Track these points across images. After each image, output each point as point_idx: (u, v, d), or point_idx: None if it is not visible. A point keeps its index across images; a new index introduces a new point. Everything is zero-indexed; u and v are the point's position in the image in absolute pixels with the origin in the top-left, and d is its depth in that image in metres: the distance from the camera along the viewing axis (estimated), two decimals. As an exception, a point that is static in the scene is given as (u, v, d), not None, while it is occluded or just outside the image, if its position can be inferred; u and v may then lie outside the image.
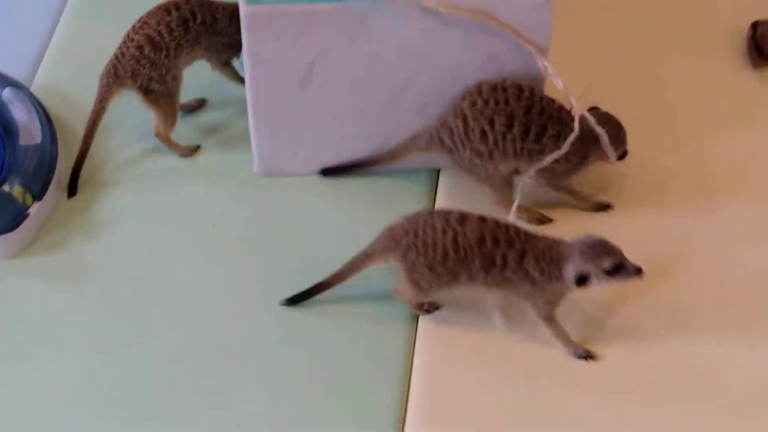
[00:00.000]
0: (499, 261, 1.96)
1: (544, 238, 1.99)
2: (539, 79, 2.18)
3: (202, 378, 2.02)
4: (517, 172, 2.16)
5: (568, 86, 2.14)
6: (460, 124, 2.13)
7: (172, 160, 2.32)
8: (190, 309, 2.11)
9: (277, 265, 2.15)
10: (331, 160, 2.28)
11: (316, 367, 2.03)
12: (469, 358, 2.03)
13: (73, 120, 2.37)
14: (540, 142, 2.12)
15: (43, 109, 2.34)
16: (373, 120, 2.23)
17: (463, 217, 1.98)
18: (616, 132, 2.17)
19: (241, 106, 2.26)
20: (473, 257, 1.96)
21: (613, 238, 1.99)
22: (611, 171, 2.25)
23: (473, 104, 2.12)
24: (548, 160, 2.12)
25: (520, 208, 2.16)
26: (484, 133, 2.12)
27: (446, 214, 1.99)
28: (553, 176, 2.16)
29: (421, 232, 1.98)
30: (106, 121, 2.29)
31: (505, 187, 2.17)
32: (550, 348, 2.02)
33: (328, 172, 2.27)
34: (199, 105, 2.38)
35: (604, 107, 2.29)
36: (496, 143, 2.12)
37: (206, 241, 2.21)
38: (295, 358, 2.04)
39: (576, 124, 2.12)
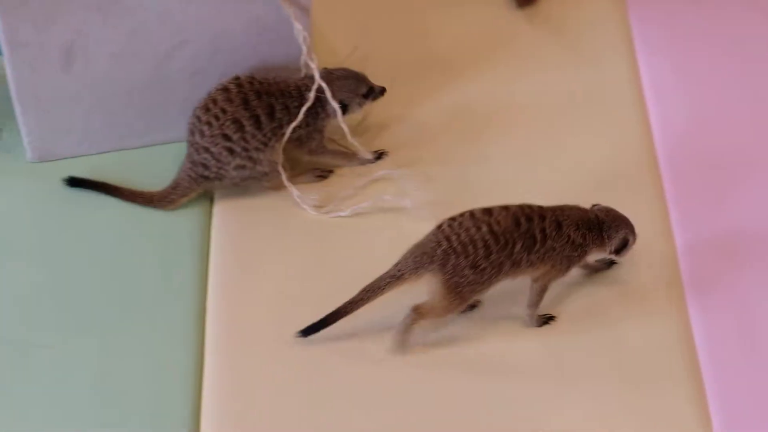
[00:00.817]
0: (539, 235, 1.98)
1: (568, 207, 2.03)
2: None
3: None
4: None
5: (311, 51, 2.17)
6: (207, 156, 2.14)
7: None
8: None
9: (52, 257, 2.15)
10: (105, 137, 2.25)
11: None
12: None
13: None
14: (274, 120, 2.13)
15: None
16: (142, 94, 2.21)
17: (486, 210, 1.98)
18: (355, 80, 2.20)
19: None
20: (514, 241, 1.97)
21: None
22: (384, 123, 2.29)
23: (202, 134, 2.13)
24: (288, 132, 2.15)
25: (298, 175, 2.20)
26: (230, 151, 2.13)
27: (470, 214, 1.98)
28: (302, 145, 2.19)
29: (454, 237, 1.96)
30: None
31: (275, 173, 2.18)
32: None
33: (76, 182, 2.21)
34: None
35: (374, 63, 2.33)
36: (245, 149, 2.13)
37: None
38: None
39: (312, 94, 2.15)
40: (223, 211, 2.20)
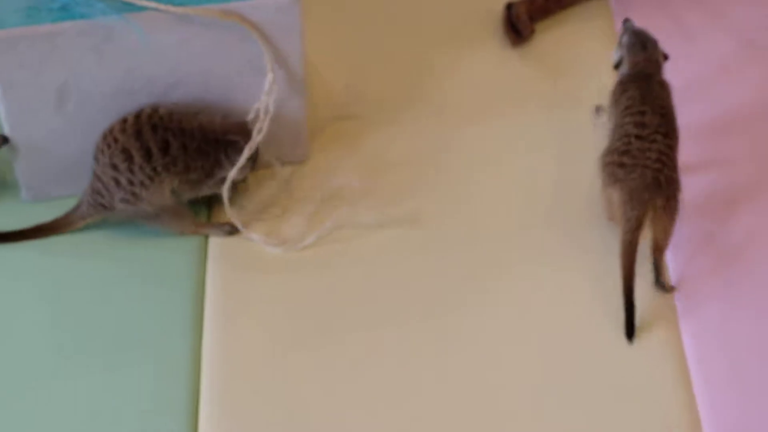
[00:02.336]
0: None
1: None
2: (298, 78, 2.20)
3: None
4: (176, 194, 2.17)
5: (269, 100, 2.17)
6: (100, 184, 2.13)
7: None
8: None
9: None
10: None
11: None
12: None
13: None
14: (167, 156, 2.12)
15: None
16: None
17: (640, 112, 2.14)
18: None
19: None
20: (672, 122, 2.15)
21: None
22: (366, 159, 2.31)
23: (97, 162, 2.13)
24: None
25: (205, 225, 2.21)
26: (116, 182, 2.12)
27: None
28: (191, 189, 2.18)
29: (642, 160, 2.09)
30: None
31: (181, 215, 2.18)
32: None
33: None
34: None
35: (369, 104, 2.37)
36: (130, 182, 2.12)
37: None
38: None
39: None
40: (217, 247, 2.20)
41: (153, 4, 2.06)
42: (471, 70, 2.47)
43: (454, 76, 2.46)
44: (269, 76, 2.16)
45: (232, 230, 2.20)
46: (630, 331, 2.04)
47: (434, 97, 2.42)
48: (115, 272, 2.16)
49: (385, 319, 2.09)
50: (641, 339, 2.04)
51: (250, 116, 2.18)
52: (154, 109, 2.13)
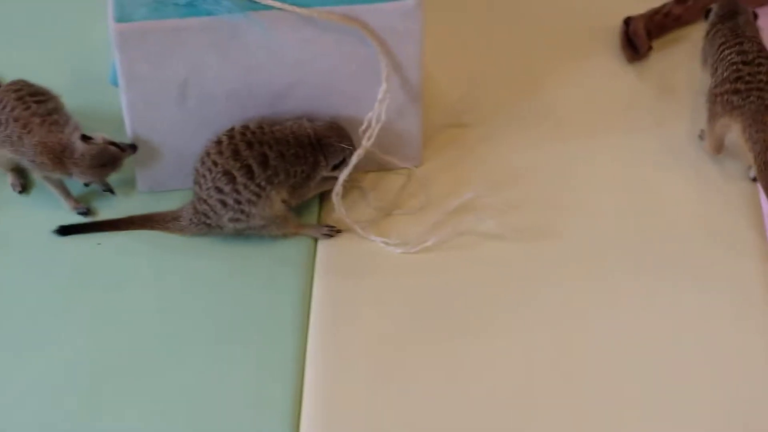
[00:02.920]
0: None
1: None
2: (415, 84, 2.21)
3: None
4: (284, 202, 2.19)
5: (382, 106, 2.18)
6: (206, 207, 2.15)
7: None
8: (76, 327, 2.11)
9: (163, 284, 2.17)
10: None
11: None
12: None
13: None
14: (268, 168, 2.13)
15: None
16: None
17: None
18: (350, 141, 2.21)
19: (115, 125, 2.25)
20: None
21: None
22: (481, 164, 2.32)
23: (200, 186, 2.15)
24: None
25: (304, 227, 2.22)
26: (223, 203, 2.14)
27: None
28: (293, 192, 2.19)
29: (755, 84, 2.21)
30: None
31: (287, 219, 2.19)
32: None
33: (67, 231, 2.22)
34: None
35: (484, 113, 2.37)
36: (237, 201, 2.13)
37: (93, 259, 2.20)
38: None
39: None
40: (326, 247, 2.21)
41: (278, 4, 2.08)
42: (586, 83, 2.46)
43: (569, 88, 2.45)
44: (383, 86, 2.17)
45: (331, 232, 2.22)
46: None
47: (549, 108, 2.42)
48: (224, 269, 2.18)
49: (498, 328, 2.09)
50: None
51: (363, 126, 2.20)
52: (245, 126, 2.15)
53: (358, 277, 2.17)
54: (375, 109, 2.18)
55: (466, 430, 1.97)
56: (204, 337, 2.09)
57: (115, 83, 2.20)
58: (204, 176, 2.14)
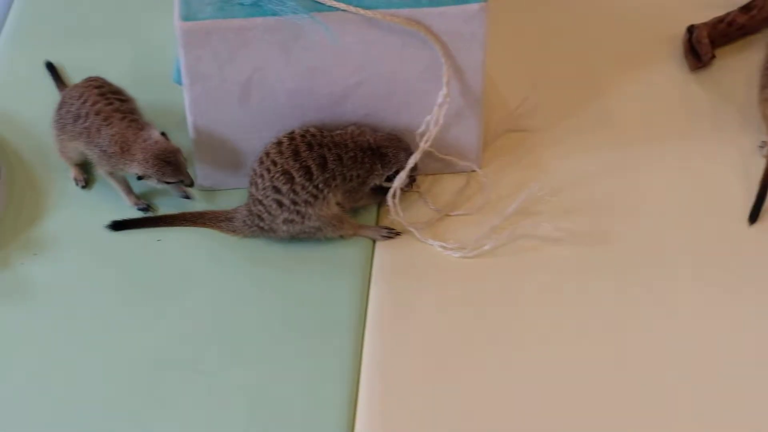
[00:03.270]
0: None
1: None
2: (476, 88, 2.21)
3: (153, 395, 2.04)
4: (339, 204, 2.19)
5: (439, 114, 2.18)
6: (261, 208, 2.16)
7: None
8: (138, 324, 2.12)
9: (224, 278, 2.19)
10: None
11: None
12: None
13: (14, 139, 2.37)
14: (326, 171, 2.14)
15: (-15, 132, 2.35)
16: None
17: None
18: (406, 154, 2.20)
19: (176, 123, 2.27)
20: None
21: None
22: (539, 169, 2.31)
23: (257, 187, 2.15)
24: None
25: (363, 227, 2.22)
26: (279, 203, 2.14)
27: None
28: (349, 197, 2.20)
29: None
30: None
31: (343, 220, 2.20)
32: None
33: (119, 226, 2.24)
34: None
35: (543, 118, 2.36)
36: (294, 202, 2.14)
37: (153, 252, 2.21)
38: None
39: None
40: (383, 249, 2.22)
41: (342, 5, 2.09)
42: (648, 90, 2.45)
43: (631, 95, 2.44)
44: (444, 90, 2.17)
45: (390, 233, 2.22)
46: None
47: (609, 114, 2.41)
48: (283, 268, 2.19)
49: (555, 333, 2.09)
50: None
51: (421, 128, 2.20)
52: (305, 129, 2.17)
53: (415, 280, 2.18)
54: (434, 113, 2.18)
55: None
56: (262, 336, 2.10)
57: (179, 81, 2.21)
58: (262, 176, 2.14)
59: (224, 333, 2.10)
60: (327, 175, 2.14)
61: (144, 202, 2.26)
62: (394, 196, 2.21)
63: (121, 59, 2.47)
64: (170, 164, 2.17)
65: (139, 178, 2.19)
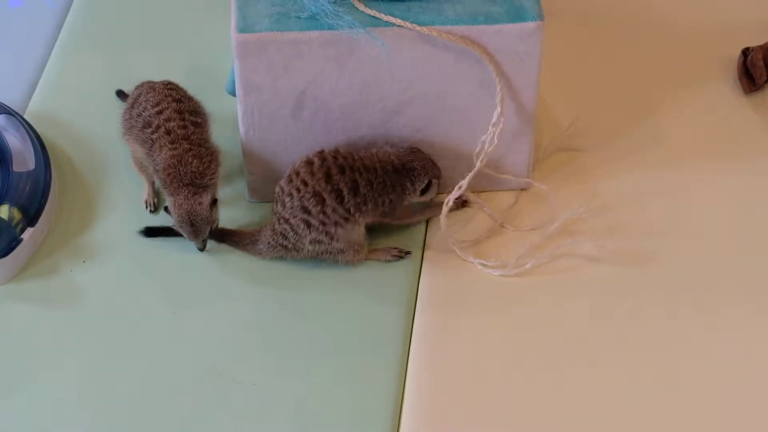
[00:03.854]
0: None
1: None
2: (530, 107, 2.21)
3: (197, 395, 2.05)
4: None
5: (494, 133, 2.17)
6: (287, 227, 2.14)
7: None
8: (184, 333, 2.12)
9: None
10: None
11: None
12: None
13: (66, 146, 2.38)
14: (358, 196, 2.12)
15: (37, 136, 2.34)
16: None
17: None
18: (434, 166, 2.20)
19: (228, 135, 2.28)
20: None
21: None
22: (590, 188, 2.31)
23: (284, 205, 2.13)
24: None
25: (374, 251, 2.21)
26: (307, 224, 2.13)
27: None
28: (385, 216, 2.19)
29: None
30: (112, 153, 2.33)
31: (363, 246, 2.19)
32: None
33: (151, 232, 2.24)
34: None
35: (594, 138, 2.35)
36: (323, 223, 2.12)
37: (200, 261, 2.21)
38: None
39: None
40: (431, 266, 2.21)
41: (399, 21, 2.08)
42: (701, 112, 2.44)
43: (684, 116, 2.43)
44: (498, 109, 2.16)
45: (400, 254, 2.21)
46: None
47: (662, 135, 2.40)
48: (329, 281, 2.19)
49: (597, 354, 2.08)
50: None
51: (477, 148, 2.19)
52: (335, 150, 2.15)
53: (459, 298, 2.17)
54: (488, 133, 2.18)
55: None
56: (307, 349, 2.10)
57: (232, 92, 2.21)
58: (291, 195, 2.13)
59: (268, 344, 2.11)
60: (358, 200, 2.13)
61: (153, 204, 2.27)
62: (444, 217, 2.20)
63: (176, 68, 2.47)
64: (192, 227, 2.15)
65: (165, 209, 2.19)
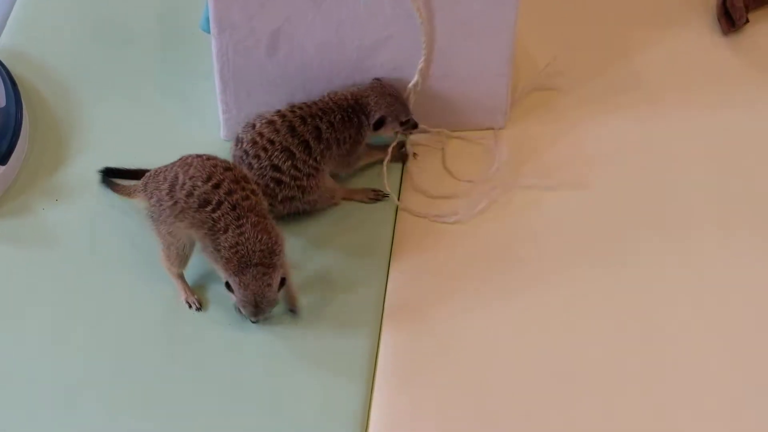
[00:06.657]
0: None
1: None
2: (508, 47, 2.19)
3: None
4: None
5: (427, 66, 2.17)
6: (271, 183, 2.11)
7: (141, 129, 2.30)
8: (156, 276, 2.10)
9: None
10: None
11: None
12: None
13: (37, 83, 2.35)
14: (322, 142, 2.11)
15: (8, 73, 2.31)
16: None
17: None
18: (400, 104, 2.19)
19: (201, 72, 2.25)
20: None
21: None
22: (564, 133, 2.29)
23: (251, 167, 2.10)
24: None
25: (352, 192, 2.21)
26: (278, 182, 2.11)
27: None
28: (345, 157, 2.18)
29: None
30: (85, 90, 2.30)
31: (335, 190, 2.18)
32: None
33: (110, 173, 2.18)
34: None
35: (570, 80, 2.34)
36: (295, 178, 2.10)
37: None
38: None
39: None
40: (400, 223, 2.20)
41: (376, -41, 2.07)
42: (679, 53, 2.43)
43: (661, 57, 2.42)
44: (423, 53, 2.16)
45: (377, 195, 2.20)
46: None
47: (639, 76, 2.39)
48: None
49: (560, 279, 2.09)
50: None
51: (412, 82, 2.19)
52: (291, 104, 2.14)
53: (424, 251, 2.15)
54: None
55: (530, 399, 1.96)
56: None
57: (207, 29, 2.18)
58: (258, 156, 2.10)
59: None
60: (322, 146, 2.12)
61: (197, 302, 2.08)
62: (393, 151, 2.21)
63: (150, 7, 2.45)
64: (256, 308, 2.00)
65: (227, 284, 2.02)
